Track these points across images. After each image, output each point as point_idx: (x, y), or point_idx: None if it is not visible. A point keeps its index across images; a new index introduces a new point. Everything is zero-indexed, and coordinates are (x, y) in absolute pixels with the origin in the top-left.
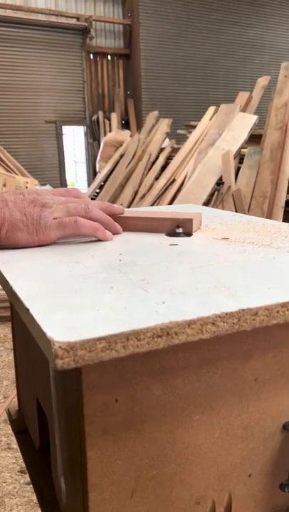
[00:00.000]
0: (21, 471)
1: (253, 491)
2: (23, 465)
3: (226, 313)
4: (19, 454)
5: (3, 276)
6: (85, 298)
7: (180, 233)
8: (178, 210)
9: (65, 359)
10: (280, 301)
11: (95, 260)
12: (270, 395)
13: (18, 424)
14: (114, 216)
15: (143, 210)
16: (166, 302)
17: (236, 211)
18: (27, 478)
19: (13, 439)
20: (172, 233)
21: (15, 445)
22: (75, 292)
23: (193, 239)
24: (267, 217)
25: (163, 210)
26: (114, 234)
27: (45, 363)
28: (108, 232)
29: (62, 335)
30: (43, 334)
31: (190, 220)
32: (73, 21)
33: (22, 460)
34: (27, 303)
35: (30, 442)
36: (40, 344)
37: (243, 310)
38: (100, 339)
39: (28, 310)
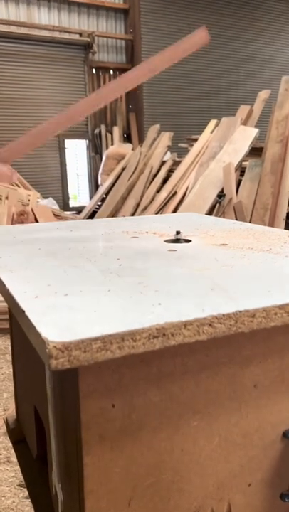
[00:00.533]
0: (20, 485)
1: (252, 500)
2: (23, 478)
3: (223, 315)
4: (19, 468)
5: (1, 281)
6: (82, 300)
7: (180, 239)
8: (179, 217)
9: (60, 359)
10: (278, 303)
11: (93, 265)
12: (269, 402)
13: (16, 434)
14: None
15: None
16: (163, 304)
17: None
18: (26, 492)
19: (13, 452)
20: (172, 239)
21: (14, 458)
22: (72, 294)
23: (193, 244)
24: None
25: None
26: None
27: (43, 371)
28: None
29: (57, 335)
30: (38, 335)
31: None
32: (76, 37)
33: (22, 474)
34: (23, 305)
35: (27, 452)
36: (35, 345)
37: (240, 311)
38: (95, 339)
39: (23, 311)
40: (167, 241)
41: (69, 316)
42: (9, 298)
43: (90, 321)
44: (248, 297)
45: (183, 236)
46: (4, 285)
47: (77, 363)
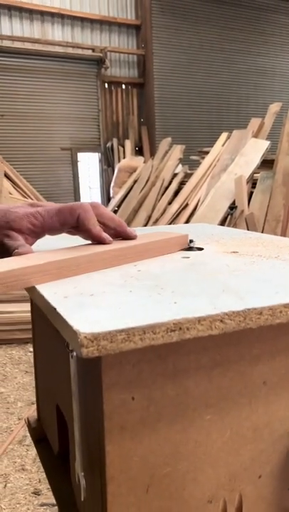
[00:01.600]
0: (35, 493)
1: (263, 492)
2: (37, 486)
3: (233, 312)
4: (33, 476)
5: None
6: (106, 299)
7: (192, 247)
8: (191, 227)
9: (90, 348)
10: (283, 301)
11: (112, 271)
12: (277, 398)
13: (38, 433)
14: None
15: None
16: (179, 302)
17: None
18: (41, 499)
19: (27, 460)
20: (185, 247)
21: (29, 466)
22: (97, 295)
23: (205, 252)
24: None
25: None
26: (126, 238)
27: (66, 370)
28: (107, 235)
29: (87, 327)
30: (69, 328)
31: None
32: (89, 52)
33: (36, 481)
34: (54, 304)
35: (49, 448)
36: (66, 338)
37: (248, 309)
38: (120, 331)
39: (55, 309)
40: (181, 249)
41: (96, 312)
42: (40, 299)
43: (115, 316)
44: (256, 297)
45: (196, 244)
46: (35, 288)
47: (104, 352)
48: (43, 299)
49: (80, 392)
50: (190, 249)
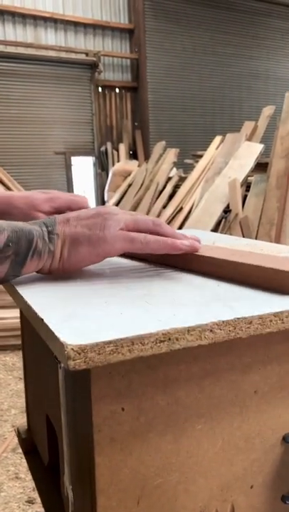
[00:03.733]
0: (29, 501)
1: (254, 502)
2: (31, 495)
3: (223, 321)
4: (27, 484)
5: (20, 295)
6: (94, 309)
7: None
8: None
9: (77, 360)
10: (273, 310)
11: (103, 280)
12: (269, 407)
13: (28, 443)
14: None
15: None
16: (168, 312)
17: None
18: (35, 508)
19: (22, 468)
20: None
21: (23, 474)
22: (85, 305)
23: None
24: None
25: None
26: (190, 251)
27: (55, 380)
28: (178, 241)
29: (73, 339)
30: (56, 339)
31: None
32: (82, 56)
33: (30, 490)
34: (41, 314)
35: (39, 460)
36: (54, 350)
37: (238, 318)
38: (108, 343)
39: (42, 320)
40: None
41: (84, 323)
42: (27, 309)
43: (103, 327)
44: (246, 306)
45: None
46: (23, 298)
47: (92, 364)
48: (30, 309)
49: (68, 403)
50: None
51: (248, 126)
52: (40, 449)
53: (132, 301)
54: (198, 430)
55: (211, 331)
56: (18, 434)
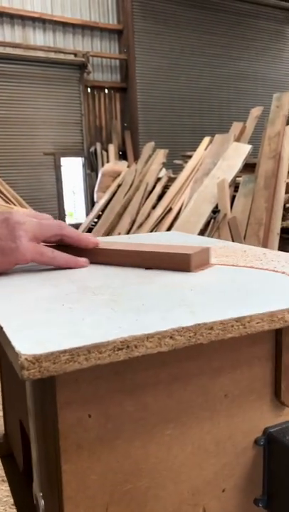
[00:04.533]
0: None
1: (226, 505)
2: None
3: (183, 328)
4: None
5: None
6: (56, 316)
7: None
8: (160, 236)
9: (31, 370)
10: (234, 316)
11: (73, 284)
12: (240, 411)
13: (4, 449)
14: (99, 249)
15: (123, 241)
16: (131, 318)
17: (232, 238)
18: None
19: None
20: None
21: None
22: (49, 311)
23: None
24: (263, 244)
25: (148, 241)
26: (89, 247)
27: (24, 384)
28: (82, 259)
29: (28, 348)
30: (12, 348)
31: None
32: (71, 57)
33: (9, 487)
34: (1, 322)
35: (15, 466)
36: (11, 359)
37: (198, 324)
38: (63, 352)
39: (1, 328)
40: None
41: (42, 331)
42: None
43: (61, 336)
44: (208, 311)
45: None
46: None
47: (47, 374)
48: None
49: (37, 410)
50: None
51: (236, 127)
52: (16, 454)
53: (96, 307)
54: (168, 435)
55: (171, 337)
56: None
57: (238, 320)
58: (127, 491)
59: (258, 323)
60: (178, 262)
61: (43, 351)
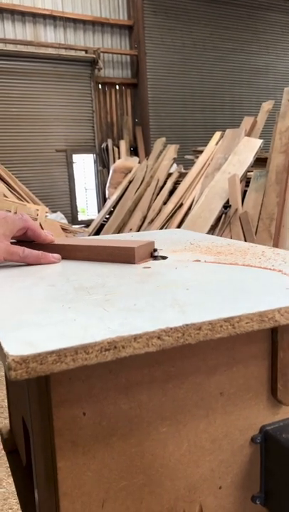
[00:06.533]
0: None
1: (224, 502)
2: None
3: (171, 328)
4: None
5: None
6: (48, 316)
7: (157, 256)
8: (163, 234)
9: (18, 371)
10: (222, 316)
11: (70, 283)
12: (236, 409)
13: (10, 444)
14: (60, 244)
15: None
16: (121, 319)
17: (244, 234)
18: None
19: None
20: (150, 256)
21: None
22: (41, 311)
23: (167, 262)
24: (274, 239)
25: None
26: (45, 242)
27: (25, 382)
28: (52, 255)
29: (17, 349)
30: (2, 349)
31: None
32: (82, 54)
33: (13, 481)
34: None
35: (19, 461)
36: (1, 359)
37: (187, 325)
38: (50, 353)
39: None
40: (146, 258)
41: (32, 332)
42: None
43: (49, 337)
44: (198, 311)
45: (161, 253)
46: None
47: (34, 374)
48: None
49: (36, 407)
50: (155, 258)
51: (247, 121)
52: (20, 450)
53: (90, 306)
54: (163, 433)
55: (158, 338)
56: (1, 434)
57: (226, 320)
58: (122, 487)
59: (247, 323)
60: (124, 255)
61: (30, 352)
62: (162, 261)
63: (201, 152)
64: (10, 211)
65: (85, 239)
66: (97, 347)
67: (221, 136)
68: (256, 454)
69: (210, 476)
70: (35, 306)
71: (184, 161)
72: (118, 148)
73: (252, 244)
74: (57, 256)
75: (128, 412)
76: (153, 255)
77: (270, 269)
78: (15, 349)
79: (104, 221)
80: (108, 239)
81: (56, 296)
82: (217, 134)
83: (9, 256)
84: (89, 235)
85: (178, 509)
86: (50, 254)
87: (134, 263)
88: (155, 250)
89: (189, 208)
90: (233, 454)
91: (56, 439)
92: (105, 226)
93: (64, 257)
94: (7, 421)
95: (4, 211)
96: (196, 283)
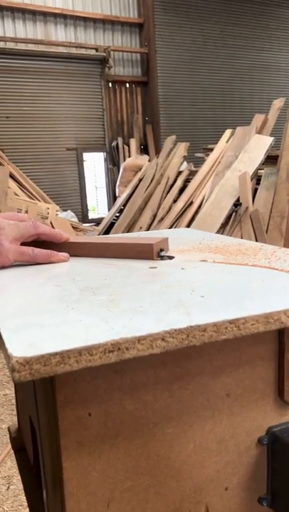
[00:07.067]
0: None
1: (230, 504)
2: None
3: (175, 330)
4: None
5: None
6: (53, 317)
7: (163, 256)
8: (171, 233)
9: (22, 372)
10: (228, 318)
11: (75, 283)
12: (243, 410)
13: (18, 443)
14: (75, 242)
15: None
16: (125, 320)
17: (254, 232)
18: None
19: None
20: (156, 256)
21: None
22: (46, 313)
23: (174, 262)
24: (285, 237)
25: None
26: (62, 241)
27: (31, 382)
28: (62, 254)
29: (20, 351)
30: (6, 350)
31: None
32: (92, 52)
33: (21, 479)
34: (0, 323)
35: (26, 459)
36: (5, 360)
37: (191, 326)
38: (54, 354)
39: None
40: (153, 258)
41: (37, 333)
42: None
43: (53, 338)
44: (203, 312)
45: (167, 253)
46: None
47: (38, 376)
48: None
49: (41, 408)
50: (161, 258)
51: (258, 119)
52: (28, 449)
53: (95, 307)
54: (169, 434)
55: (162, 339)
56: (10, 433)
57: (231, 322)
58: (128, 487)
59: (252, 324)
60: (142, 252)
61: (34, 354)
62: (169, 261)
63: (211, 150)
64: (21, 210)
65: (95, 237)
66: (100, 348)
67: (232, 134)
68: (263, 456)
69: (216, 477)
70: (40, 307)
71: (194, 159)
72: (128, 146)
73: (263, 244)
74: (66, 254)
75: (133, 412)
76: (160, 255)
77: (278, 269)
78: (18, 350)
79: (114, 219)
80: (117, 237)
81: (61, 296)
82: (227, 132)
83: (19, 257)
84: (99, 234)
85: (184, 510)
86: (60, 253)
87: (152, 259)
88: (162, 250)
89: (199, 206)
90: (240, 455)
91: (62, 439)
92: (115, 224)
93: (79, 255)
94: (16, 419)
95: (13, 213)
96: (202, 283)
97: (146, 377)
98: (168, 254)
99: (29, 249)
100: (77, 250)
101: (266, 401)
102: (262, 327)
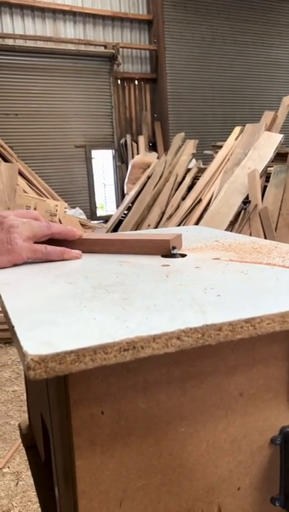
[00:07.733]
0: None
1: (242, 503)
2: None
3: (191, 328)
4: None
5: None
6: (67, 315)
7: (175, 254)
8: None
9: (37, 370)
10: (243, 317)
11: (87, 281)
12: (256, 410)
13: (28, 439)
14: (88, 239)
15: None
16: (139, 319)
17: (263, 229)
18: None
19: None
20: (167, 254)
21: None
22: (59, 310)
23: (186, 260)
24: None
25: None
26: (76, 238)
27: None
28: (75, 251)
29: (35, 348)
30: (21, 348)
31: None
32: (101, 49)
33: (32, 476)
34: (14, 320)
35: (37, 456)
36: (20, 357)
37: (207, 325)
38: (69, 352)
39: (13, 327)
40: (164, 256)
41: (51, 331)
42: (5, 313)
43: (68, 336)
44: (218, 311)
45: (180, 251)
46: (3, 302)
47: (53, 374)
48: (7, 313)
49: (54, 405)
50: (173, 256)
51: (267, 116)
52: (38, 446)
53: (108, 305)
54: (182, 433)
55: (178, 338)
56: (20, 429)
57: (247, 321)
58: (140, 486)
59: (268, 324)
60: (159, 247)
61: (49, 352)
62: (181, 259)
63: (220, 147)
64: (29, 207)
65: (107, 234)
66: (116, 347)
67: (241, 131)
68: (276, 455)
69: (228, 476)
70: (53, 304)
71: (203, 157)
72: (137, 143)
73: (278, 243)
74: (79, 252)
75: (146, 411)
76: (172, 253)
77: None
78: (34, 348)
79: (122, 217)
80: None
81: (74, 294)
82: (237, 129)
83: (32, 254)
84: (107, 231)
85: (196, 509)
86: (73, 250)
87: (168, 255)
88: (174, 248)
89: (208, 204)
90: (252, 454)
91: (74, 437)
92: (124, 222)
93: (92, 252)
94: (26, 415)
95: (26, 210)
96: (216, 282)
97: (160, 376)
98: (180, 252)
99: (42, 247)
100: (90, 247)
101: (280, 401)
102: (278, 326)
